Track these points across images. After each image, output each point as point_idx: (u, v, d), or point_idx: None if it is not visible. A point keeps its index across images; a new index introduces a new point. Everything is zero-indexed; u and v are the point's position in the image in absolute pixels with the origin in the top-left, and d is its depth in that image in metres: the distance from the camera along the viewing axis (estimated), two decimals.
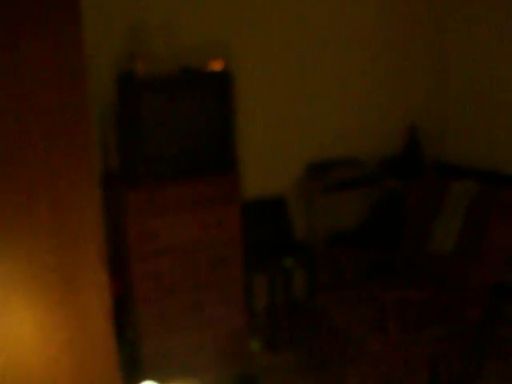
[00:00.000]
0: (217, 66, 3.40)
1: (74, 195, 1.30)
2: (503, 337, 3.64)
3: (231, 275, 3.58)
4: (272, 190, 4.08)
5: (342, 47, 4.15)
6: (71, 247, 1.30)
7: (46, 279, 1.28)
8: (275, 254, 3.97)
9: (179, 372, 3.39)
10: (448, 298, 3.28)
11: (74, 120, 1.28)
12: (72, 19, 1.28)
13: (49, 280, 1.29)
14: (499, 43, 4.07)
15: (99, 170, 3.57)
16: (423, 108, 4.48)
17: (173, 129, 3.37)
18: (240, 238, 3.55)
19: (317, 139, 4.14)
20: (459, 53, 4.39)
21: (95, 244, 1.35)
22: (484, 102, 4.25)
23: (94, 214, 1.34)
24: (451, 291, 3.32)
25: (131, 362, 3.42)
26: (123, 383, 1.56)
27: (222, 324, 3.60)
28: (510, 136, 4.09)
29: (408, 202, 3.87)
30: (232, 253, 3.56)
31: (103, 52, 3.42)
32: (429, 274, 3.52)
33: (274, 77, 3.97)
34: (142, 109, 3.25)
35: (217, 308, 3.57)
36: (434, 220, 3.65)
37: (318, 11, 4.03)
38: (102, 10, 3.38)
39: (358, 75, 4.23)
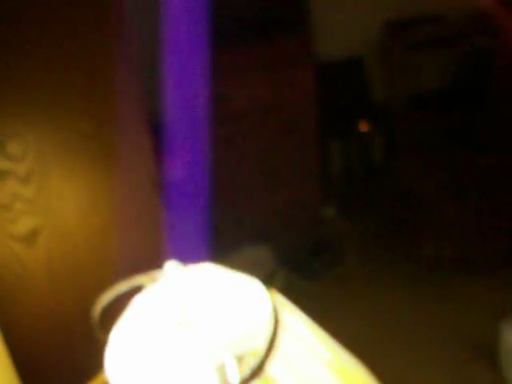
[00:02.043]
0: None
1: (105, 57, 1.20)
2: None
3: (304, 139, 3.48)
4: (349, 49, 3.85)
5: None
6: (107, 114, 1.22)
7: (85, 147, 1.22)
8: (352, 117, 3.82)
9: (251, 238, 3.42)
10: None
11: None
12: None
13: (87, 148, 1.23)
14: None
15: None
16: None
17: None
18: (313, 100, 3.41)
19: None
20: None
21: (134, 110, 1.27)
22: None
23: (129, 73, 1.25)
24: None
25: (205, 227, 3.46)
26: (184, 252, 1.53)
27: (295, 189, 3.56)
28: None
29: (497, 61, 3.57)
30: (305, 117, 3.44)
31: None
32: None
33: None
34: None
35: (289, 173, 3.52)
36: None
37: None
38: None
39: None
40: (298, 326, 0.85)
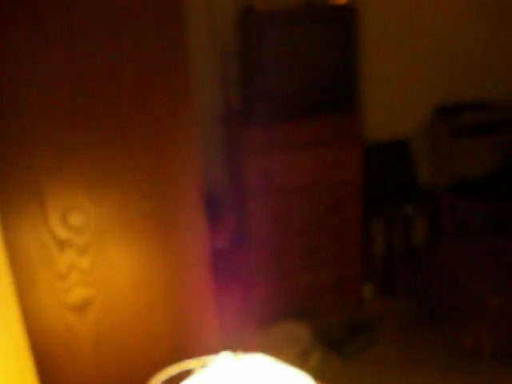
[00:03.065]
0: None
1: (171, 138, 1.24)
2: None
3: (348, 218, 3.49)
4: (396, 132, 3.89)
5: None
6: (168, 193, 1.26)
7: (143, 225, 1.26)
8: (396, 199, 3.82)
9: (288, 314, 3.40)
10: None
11: (171, 58, 1.21)
12: None
13: (146, 226, 1.26)
14: None
15: (216, 107, 3.55)
16: None
17: (293, 66, 3.26)
18: (359, 180, 3.44)
19: (446, 79, 3.85)
20: None
21: (194, 190, 1.30)
22: None
23: (192, 158, 1.29)
24: None
25: (242, 302, 3.45)
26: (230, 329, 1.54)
27: (337, 267, 3.55)
28: None
29: None
30: (350, 196, 3.46)
31: None
32: None
33: (402, 11, 3.71)
34: (262, 45, 3.16)
35: (331, 251, 3.51)
36: None
37: None
38: None
39: (489, 11, 3.86)
40: None
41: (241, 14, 3.25)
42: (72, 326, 1.25)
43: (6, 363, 1.02)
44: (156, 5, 1.18)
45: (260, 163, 3.29)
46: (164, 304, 1.31)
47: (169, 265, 1.30)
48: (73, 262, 1.22)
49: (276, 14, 3.17)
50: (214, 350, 0.93)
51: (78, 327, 1.25)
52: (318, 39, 3.24)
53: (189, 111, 1.26)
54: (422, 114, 3.91)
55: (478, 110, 3.77)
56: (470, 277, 3.06)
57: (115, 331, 1.28)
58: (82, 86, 1.15)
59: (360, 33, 3.35)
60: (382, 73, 3.75)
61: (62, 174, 1.18)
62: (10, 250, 1.17)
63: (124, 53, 1.16)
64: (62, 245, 1.20)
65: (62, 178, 1.18)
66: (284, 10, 3.24)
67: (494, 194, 3.69)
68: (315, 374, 0.93)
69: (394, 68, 3.78)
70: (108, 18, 1.14)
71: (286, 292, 3.48)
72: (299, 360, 3.08)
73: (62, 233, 1.20)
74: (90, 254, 1.22)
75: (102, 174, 1.20)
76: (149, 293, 1.29)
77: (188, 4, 1.28)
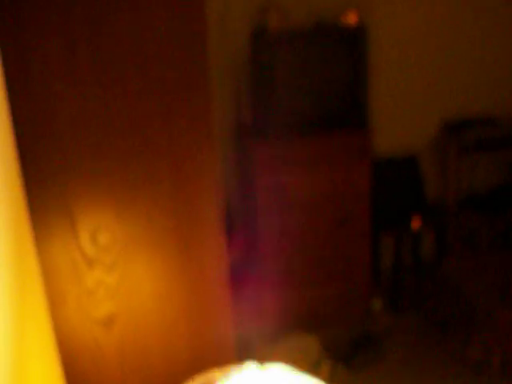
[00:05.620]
0: (351, 18, 3.29)
1: (192, 158, 1.31)
2: None
3: (357, 233, 3.54)
4: (405, 148, 3.95)
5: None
6: (190, 210, 1.32)
7: (165, 242, 1.32)
8: (404, 214, 3.88)
9: (298, 327, 3.45)
10: None
11: (194, 75, 1.28)
12: None
13: (168, 242, 1.32)
14: None
15: (229, 125, 3.63)
16: None
17: (305, 83, 3.33)
18: (368, 196, 3.50)
19: (454, 96, 3.92)
20: None
21: (213, 209, 1.37)
22: None
23: (212, 177, 1.35)
24: None
25: (256, 311, 3.51)
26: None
27: (345, 281, 3.60)
28: None
29: None
30: (359, 211, 3.52)
31: (238, 7, 3.42)
32: None
33: (410, 29, 3.78)
34: (275, 63, 3.24)
35: (340, 265, 3.57)
36: None
37: None
38: None
39: (498, 27, 3.92)
40: None
41: (254, 33, 3.34)
42: (98, 339, 1.32)
43: (40, 375, 1.09)
44: (181, 23, 1.25)
45: (271, 178, 3.35)
46: (184, 319, 1.37)
47: (189, 280, 1.36)
48: (100, 279, 1.29)
49: (288, 33, 3.25)
50: (233, 362, 0.99)
51: (104, 341, 1.32)
52: (328, 58, 3.31)
53: (209, 128, 1.33)
54: (430, 131, 3.97)
55: (485, 125, 3.83)
56: (478, 291, 3.11)
57: (138, 345, 1.35)
58: (111, 116, 1.23)
59: (369, 51, 3.42)
60: (391, 90, 3.82)
61: (92, 196, 1.25)
62: (42, 267, 1.24)
63: (150, 74, 1.24)
64: (91, 262, 1.27)
65: (91, 200, 1.26)
66: (296, 29, 3.32)
67: (501, 208, 3.74)
68: None
69: (402, 85, 3.85)
70: (134, 36, 1.21)
71: (294, 305, 3.54)
72: (310, 371, 3.13)
73: (90, 251, 1.27)
74: (117, 271, 1.29)
75: (129, 194, 1.27)
76: (170, 308, 1.35)
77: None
